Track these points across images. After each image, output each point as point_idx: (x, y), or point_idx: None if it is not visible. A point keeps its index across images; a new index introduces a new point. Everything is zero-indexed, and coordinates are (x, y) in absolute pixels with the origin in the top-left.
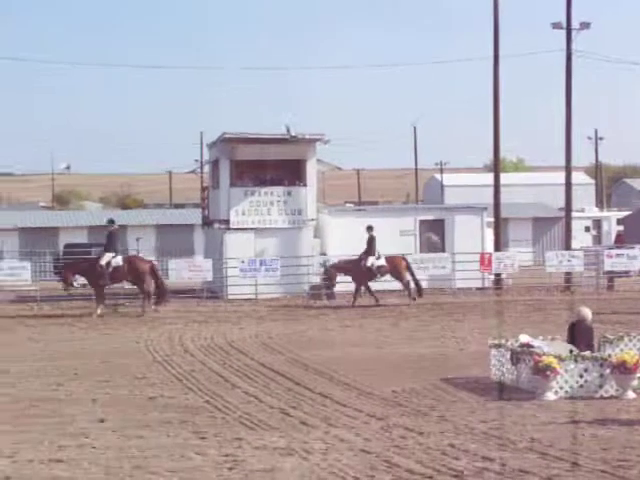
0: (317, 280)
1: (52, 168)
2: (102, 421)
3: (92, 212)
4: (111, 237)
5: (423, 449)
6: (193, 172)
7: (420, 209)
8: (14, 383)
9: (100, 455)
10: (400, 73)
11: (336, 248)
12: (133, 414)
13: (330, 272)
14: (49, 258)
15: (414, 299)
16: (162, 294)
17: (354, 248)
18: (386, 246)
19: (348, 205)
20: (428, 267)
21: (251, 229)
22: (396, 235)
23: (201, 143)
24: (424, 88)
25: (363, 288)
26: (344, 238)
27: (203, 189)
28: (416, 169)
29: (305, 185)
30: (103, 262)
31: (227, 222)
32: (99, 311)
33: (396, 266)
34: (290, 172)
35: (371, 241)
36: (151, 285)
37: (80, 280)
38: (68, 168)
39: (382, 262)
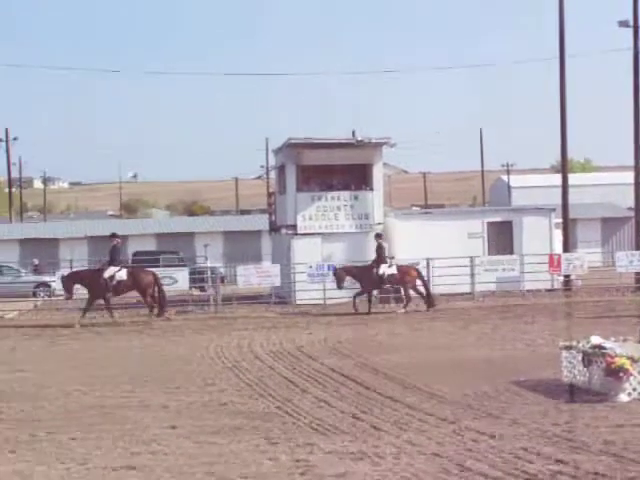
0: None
1: (120, 177)
2: (174, 427)
3: (159, 220)
4: (114, 250)
5: (496, 452)
6: (259, 178)
7: (487, 211)
8: (86, 391)
9: (172, 461)
10: (465, 75)
11: (403, 251)
12: (204, 420)
13: (339, 274)
14: None
15: (428, 308)
16: (162, 304)
17: (421, 251)
18: (454, 249)
19: (414, 208)
20: (497, 269)
21: (318, 234)
22: (464, 238)
23: (267, 149)
24: (489, 89)
25: (366, 295)
26: (411, 241)
27: (269, 195)
28: (482, 171)
29: (372, 189)
30: (107, 275)
31: (294, 227)
32: (78, 322)
33: (406, 276)
34: (357, 176)
35: (379, 249)
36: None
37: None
38: (135, 177)
39: (393, 271)
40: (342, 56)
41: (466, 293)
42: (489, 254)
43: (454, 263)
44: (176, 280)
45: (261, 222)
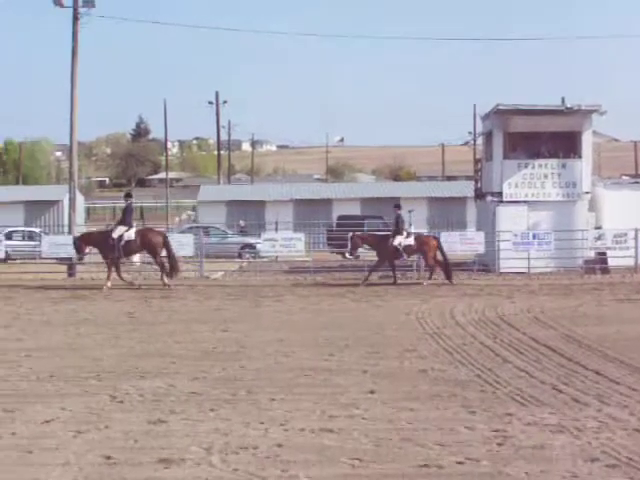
0: (591, 254)
1: (327, 141)
2: (372, 392)
3: (365, 184)
4: (126, 211)
5: None
6: (466, 144)
7: None
8: (287, 352)
9: (369, 426)
10: None
11: (611, 222)
12: (403, 386)
13: (354, 241)
14: (322, 229)
15: (448, 281)
16: (173, 266)
17: (630, 221)
18: None
19: (624, 178)
20: None
21: (524, 202)
22: None
23: (474, 115)
24: None
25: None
26: (620, 212)
27: (476, 161)
28: None
29: (580, 157)
30: (115, 235)
31: (500, 195)
32: (109, 284)
33: (423, 245)
34: (565, 144)
35: (398, 220)
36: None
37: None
38: (342, 141)
39: (410, 241)
40: (556, 21)
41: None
42: None
43: None
44: None
45: (466, 189)
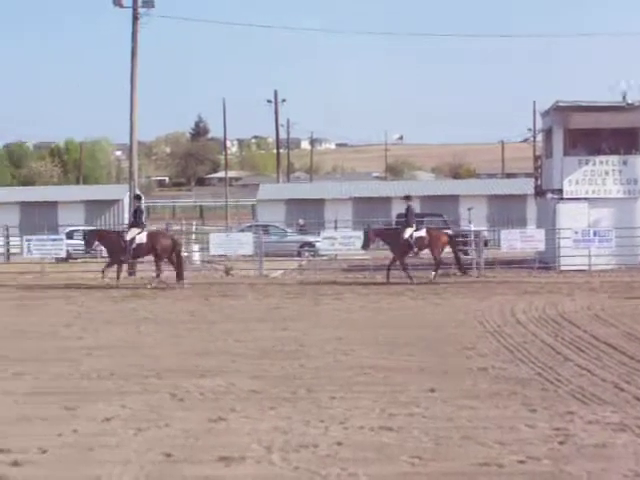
0: None
1: (385, 139)
2: (432, 390)
3: (424, 182)
4: (137, 213)
5: None
6: (525, 141)
7: None
8: (346, 350)
9: (429, 424)
10: None
11: None
12: (463, 384)
13: (368, 234)
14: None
15: (461, 273)
16: (180, 270)
17: None
18: None
19: None
20: None
21: (585, 199)
22: None
23: (534, 112)
24: None
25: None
26: None
27: (536, 158)
28: None
29: None
30: (128, 237)
31: (560, 192)
32: (107, 280)
33: (435, 240)
34: (626, 140)
35: (408, 211)
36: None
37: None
38: (401, 138)
39: (422, 234)
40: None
41: None
42: None
43: None
44: None
45: (526, 186)
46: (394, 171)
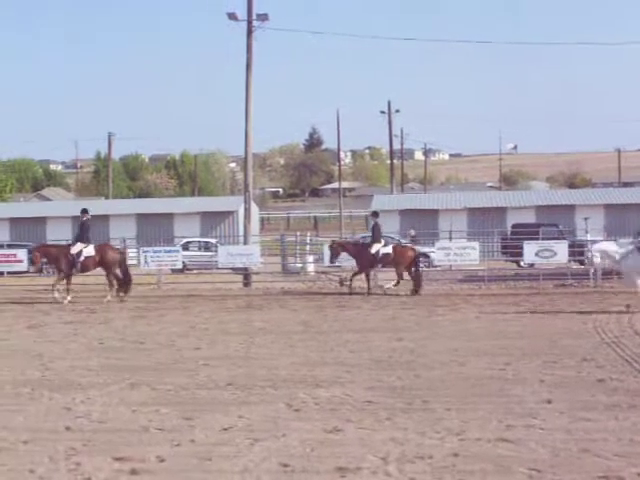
0: None
1: (499, 148)
2: (549, 402)
3: (539, 192)
4: (83, 227)
5: None
6: None
7: None
8: (462, 361)
9: (547, 436)
10: None
11: None
12: (580, 396)
13: (334, 248)
14: (497, 238)
15: (415, 292)
16: (127, 283)
17: None
18: None
19: None
20: None
21: None
22: None
23: None
24: None
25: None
26: None
27: None
28: None
29: None
30: (74, 251)
31: None
32: (56, 295)
33: (399, 256)
34: None
35: (375, 228)
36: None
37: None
38: (515, 148)
39: (388, 250)
40: None
41: None
42: None
43: None
44: (555, 253)
45: None
46: (508, 181)
